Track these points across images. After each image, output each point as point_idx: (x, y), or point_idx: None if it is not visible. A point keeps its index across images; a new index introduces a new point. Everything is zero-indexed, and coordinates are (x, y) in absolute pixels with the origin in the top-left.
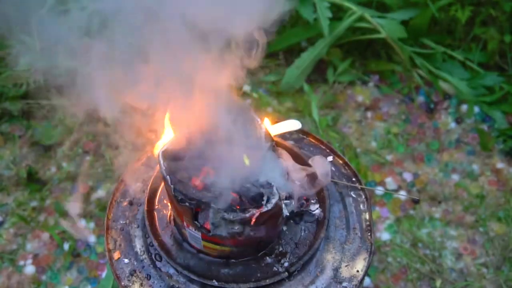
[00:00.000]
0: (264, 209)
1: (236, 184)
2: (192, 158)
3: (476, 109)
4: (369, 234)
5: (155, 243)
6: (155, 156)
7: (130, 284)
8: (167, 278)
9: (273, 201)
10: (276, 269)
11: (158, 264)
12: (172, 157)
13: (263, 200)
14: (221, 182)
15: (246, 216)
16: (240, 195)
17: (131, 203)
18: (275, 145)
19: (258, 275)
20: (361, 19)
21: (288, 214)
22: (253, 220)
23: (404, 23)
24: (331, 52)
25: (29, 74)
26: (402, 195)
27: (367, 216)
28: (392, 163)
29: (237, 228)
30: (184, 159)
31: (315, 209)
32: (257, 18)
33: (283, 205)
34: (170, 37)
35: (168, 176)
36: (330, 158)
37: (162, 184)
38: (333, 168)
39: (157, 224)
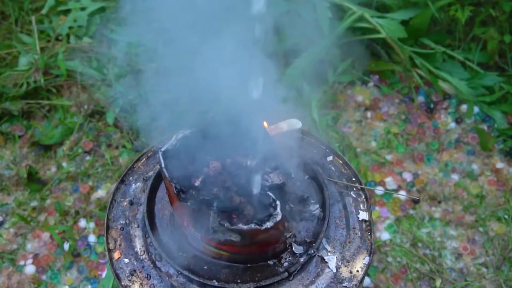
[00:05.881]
0: (264, 227)
1: (239, 187)
2: (194, 159)
3: (476, 109)
4: (369, 234)
5: (155, 243)
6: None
7: (130, 284)
8: (167, 278)
9: (275, 220)
10: (276, 269)
11: (158, 264)
12: (173, 156)
13: (266, 218)
14: (222, 183)
15: (243, 228)
16: (245, 204)
17: (131, 203)
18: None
19: (258, 275)
20: (361, 19)
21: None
22: (251, 235)
23: (404, 23)
24: (331, 52)
25: (29, 74)
26: (402, 195)
27: (367, 216)
28: (392, 163)
29: (234, 237)
30: (186, 160)
31: (315, 209)
32: None
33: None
34: None
35: (169, 176)
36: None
37: (162, 183)
38: (333, 168)
39: (157, 224)
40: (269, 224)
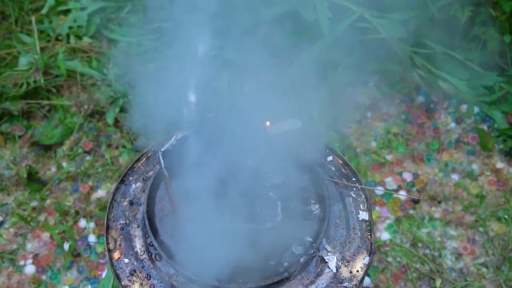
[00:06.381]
0: (263, 227)
1: (239, 188)
2: (194, 159)
3: (476, 109)
4: (369, 234)
5: (155, 243)
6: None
7: (130, 284)
8: (167, 278)
9: (275, 220)
10: (276, 269)
11: (158, 264)
12: (173, 156)
13: (266, 219)
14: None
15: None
16: (245, 204)
17: (131, 203)
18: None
19: (258, 275)
20: (361, 19)
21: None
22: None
23: (404, 23)
24: (331, 52)
25: (29, 74)
26: (402, 195)
27: (367, 216)
28: (392, 163)
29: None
30: (186, 159)
31: (315, 209)
32: None
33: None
34: None
35: (169, 176)
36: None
37: (162, 183)
38: (333, 168)
39: (157, 224)
40: (269, 225)
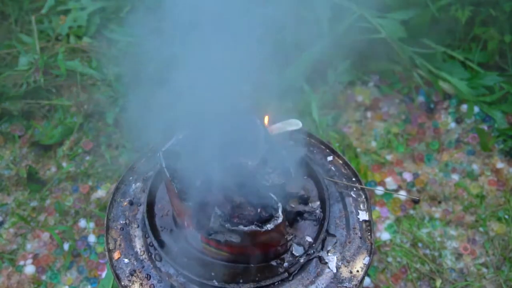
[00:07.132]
0: (264, 229)
1: (240, 188)
2: (194, 157)
3: (476, 109)
4: (369, 234)
5: (155, 243)
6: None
7: (130, 284)
8: (167, 278)
9: (276, 222)
10: (276, 270)
11: (158, 264)
12: (174, 156)
13: (267, 220)
14: (224, 184)
15: (243, 230)
16: (245, 205)
17: (131, 203)
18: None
19: (258, 275)
20: (361, 19)
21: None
22: (252, 236)
23: (404, 23)
24: (331, 52)
25: (29, 74)
26: (402, 195)
27: (367, 216)
28: (392, 163)
29: (234, 238)
30: (186, 159)
31: (315, 209)
32: None
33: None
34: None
35: (170, 176)
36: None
37: (162, 183)
38: (333, 168)
39: (157, 224)
40: (269, 226)
